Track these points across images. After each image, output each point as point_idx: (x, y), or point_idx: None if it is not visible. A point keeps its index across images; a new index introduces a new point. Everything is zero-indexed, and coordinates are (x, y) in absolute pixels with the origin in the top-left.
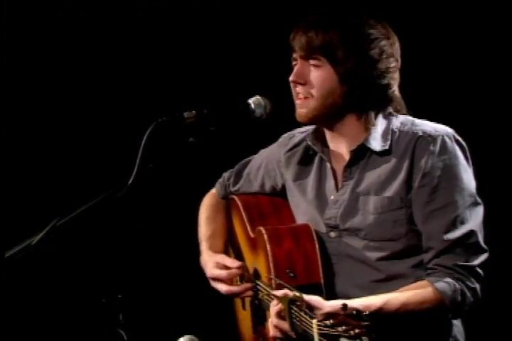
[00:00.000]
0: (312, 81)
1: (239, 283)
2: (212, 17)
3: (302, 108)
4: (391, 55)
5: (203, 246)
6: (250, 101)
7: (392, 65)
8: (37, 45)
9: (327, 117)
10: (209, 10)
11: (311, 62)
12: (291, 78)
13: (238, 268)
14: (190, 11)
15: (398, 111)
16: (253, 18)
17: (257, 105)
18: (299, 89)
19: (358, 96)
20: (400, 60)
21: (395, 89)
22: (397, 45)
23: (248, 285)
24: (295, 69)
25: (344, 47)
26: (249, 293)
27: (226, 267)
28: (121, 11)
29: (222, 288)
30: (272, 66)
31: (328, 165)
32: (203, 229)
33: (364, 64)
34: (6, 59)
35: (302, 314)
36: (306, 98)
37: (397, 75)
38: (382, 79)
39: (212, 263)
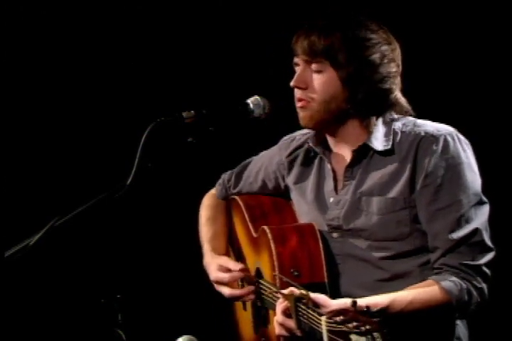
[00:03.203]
0: (314, 86)
1: (240, 284)
2: (212, 17)
3: (305, 111)
4: (392, 60)
5: (206, 247)
6: (249, 101)
7: (394, 69)
8: (37, 45)
9: (330, 121)
10: (208, 10)
11: (313, 66)
12: (292, 83)
13: (240, 270)
14: (190, 11)
15: (403, 115)
16: (252, 18)
17: (256, 105)
18: (300, 93)
19: (360, 101)
20: (401, 66)
21: (397, 94)
22: (398, 51)
23: (251, 288)
24: (296, 73)
25: (346, 51)
26: (252, 296)
27: (229, 270)
28: (121, 11)
29: (225, 291)
30: (271, 66)
31: (328, 166)
32: (205, 231)
33: (366, 68)
34: (5, 59)
35: (310, 311)
36: (307, 102)
37: (398, 80)
38: (384, 83)
39: (216, 265)
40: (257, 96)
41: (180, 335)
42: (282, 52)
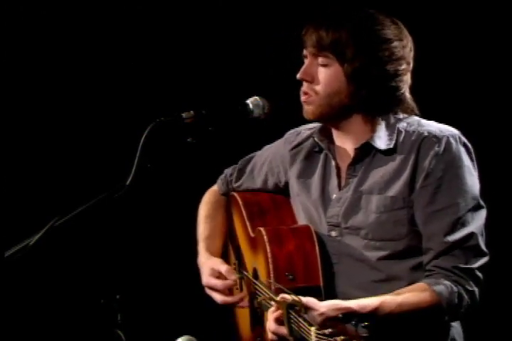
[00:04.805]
0: (320, 79)
1: (237, 286)
2: (212, 17)
3: (308, 105)
4: (402, 58)
5: (201, 246)
6: (248, 101)
7: (402, 67)
8: (37, 45)
9: (333, 115)
10: (208, 10)
11: (320, 60)
12: (298, 75)
13: (234, 280)
14: (190, 11)
15: (408, 113)
16: (252, 17)
17: (255, 105)
18: (306, 86)
19: (364, 97)
20: (411, 63)
21: (404, 92)
22: (409, 48)
23: (243, 294)
24: (303, 66)
25: (354, 47)
26: (245, 303)
27: (221, 274)
28: (121, 11)
29: (217, 297)
30: (270, 66)
31: (333, 162)
32: (202, 228)
33: (372, 65)
34: (5, 59)
35: (301, 320)
36: (311, 96)
37: (407, 78)
38: (391, 81)
39: (208, 269)
40: (256, 97)
41: (180, 335)
42: (282, 53)
